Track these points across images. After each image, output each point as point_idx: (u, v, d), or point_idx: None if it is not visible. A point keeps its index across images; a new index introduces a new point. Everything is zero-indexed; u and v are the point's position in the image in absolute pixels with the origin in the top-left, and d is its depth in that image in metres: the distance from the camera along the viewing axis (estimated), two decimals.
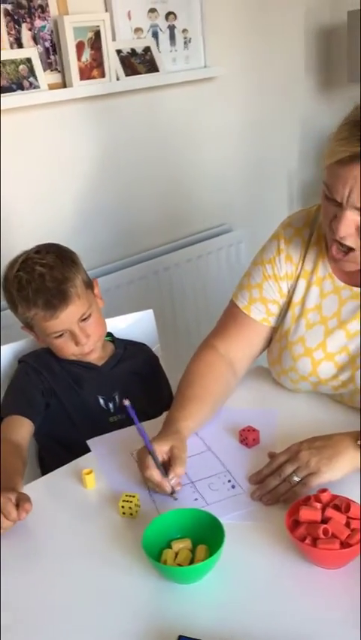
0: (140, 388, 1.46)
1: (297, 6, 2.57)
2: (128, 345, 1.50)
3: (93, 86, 2.04)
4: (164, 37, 2.21)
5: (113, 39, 2.07)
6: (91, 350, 1.36)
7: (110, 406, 1.41)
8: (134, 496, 1.05)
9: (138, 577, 0.93)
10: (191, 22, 2.25)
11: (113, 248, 2.31)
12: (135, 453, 1.15)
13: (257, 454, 1.15)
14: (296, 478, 1.03)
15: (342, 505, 0.94)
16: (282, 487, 1.04)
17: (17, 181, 2.01)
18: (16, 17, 1.88)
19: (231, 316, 1.35)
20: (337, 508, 0.93)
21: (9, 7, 1.86)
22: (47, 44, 1.96)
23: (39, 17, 1.92)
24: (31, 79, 1.92)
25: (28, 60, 1.91)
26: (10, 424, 1.28)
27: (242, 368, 1.35)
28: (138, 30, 2.14)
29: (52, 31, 1.95)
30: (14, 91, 1.89)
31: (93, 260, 2.22)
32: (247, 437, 1.18)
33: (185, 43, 2.27)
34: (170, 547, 0.95)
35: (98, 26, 2.00)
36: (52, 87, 1.98)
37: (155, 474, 1.06)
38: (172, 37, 2.23)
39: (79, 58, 1.99)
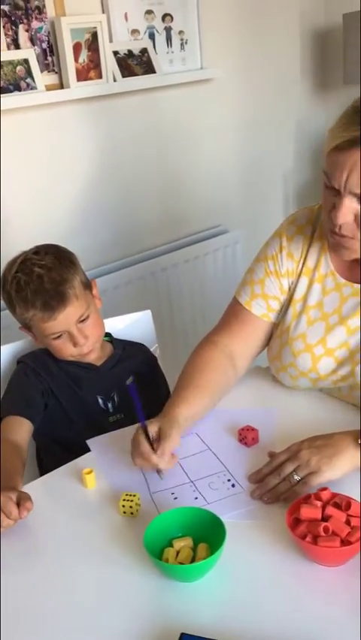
0: (139, 388, 1.46)
1: (292, 8, 2.59)
2: (126, 345, 1.50)
3: (90, 87, 2.04)
4: (161, 38, 2.22)
5: (110, 40, 2.07)
6: (89, 351, 1.36)
7: (109, 405, 1.41)
8: (134, 496, 1.05)
9: (139, 576, 0.93)
10: (187, 24, 2.26)
11: (111, 249, 2.31)
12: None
13: (256, 453, 1.15)
14: (297, 477, 1.03)
15: (342, 503, 0.94)
16: (282, 486, 1.04)
17: (15, 181, 2.01)
18: (13, 18, 1.88)
19: (232, 312, 1.37)
20: (337, 506, 0.94)
21: (6, 8, 1.86)
22: (44, 45, 1.96)
23: (36, 18, 1.92)
24: (29, 80, 1.92)
25: (26, 61, 1.91)
26: (9, 424, 1.28)
27: (243, 363, 1.36)
28: (134, 32, 2.15)
29: (49, 33, 1.96)
30: (11, 92, 1.89)
31: (91, 260, 2.22)
32: (247, 436, 1.19)
33: (181, 44, 2.28)
34: (171, 545, 0.95)
35: (95, 28, 2.00)
36: (49, 88, 1.98)
37: (145, 449, 1.10)
38: (169, 38, 2.24)
39: (76, 60, 1.99)
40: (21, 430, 1.28)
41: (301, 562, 0.92)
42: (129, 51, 2.13)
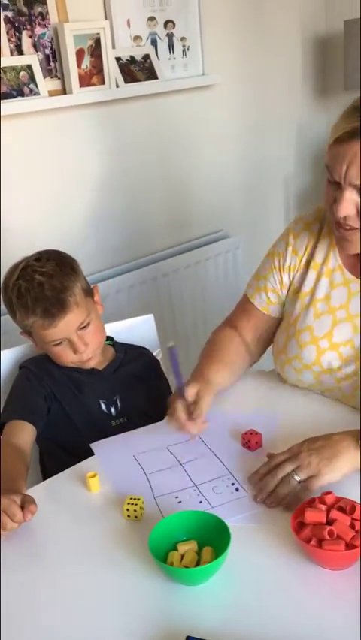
0: (141, 392, 1.47)
1: (293, 15, 2.60)
2: (128, 348, 1.50)
3: (93, 92, 2.05)
4: (163, 45, 2.23)
5: (113, 47, 2.08)
6: (89, 358, 1.36)
7: (112, 409, 1.41)
8: (138, 499, 1.05)
9: (144, 579, 0.93)
10: (189, 31, 2.28)
11: (113, 253, 2.32)
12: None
13: (260, 457, 1.15)
14: (297, 478, 1.02)
15: (347, 507, 0.94)
16: (283, 488, 1.03)
17: (16, 186, 2.02)
18: (16, 24, 1.89)
19: (241, 303, 1.46)
20: (342, 509, 0.94)
21: (9, 14, 1.87)
22: (47, 51, 1.97)
23: (39, 24, 1.94)
24: (32, 85, 1.93)
25: (29, 67, 1.92)
26: (12, 429, 1.29)
27: (257, 350, 1.44)
28: (137, 38, 2.16)
29: (52, 39, 1.97)
30: (14, 97, 1.90)
31: (93, 265, 2.23)
32: (250, 440, 1.19)
33: (183, 51, 2.29)
34: (176, 549, 0.95)
35: (98, 34, 2.01)
36: (52, 94, 1.99)
37: (181, 416, 1.17)
38: (171, 45, 2.25)
39: (79, 66, 2.00)
40: (24, 434, 1.28)
41: (305, 565, 0.92)
42: (132, 57, 2.15)
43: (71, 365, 1.37)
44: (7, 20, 1.87)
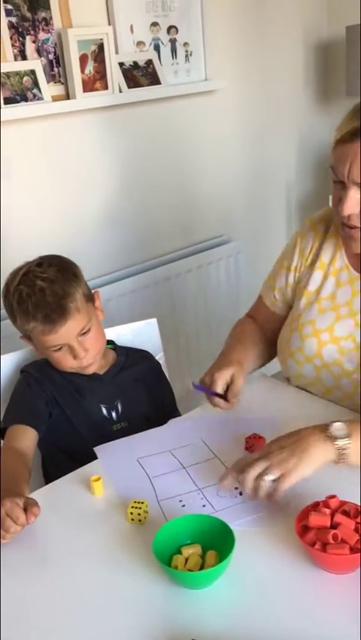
0: (143, 395, 1.47)
1: (296, 21, 2.61)
2: (130, 352, 1.50)
3: (96, 98, 2.06)
4: (166, 50, 2.24)
5: (116, 52, 2.09)
6: (89, 364, 1.36)
7: (113, 414, 1.41)
8: (142, 503, 1.05)
9: (148, 583, 0.93)
10: (192, 36, 2.29)
11: (116, 258, 2.32)
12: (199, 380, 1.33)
13: None
14: (271, 477, 0.99)
15: (351, 511, 0.95)
16: (259, 491, 1.00)
17: (19, 190, 2.03)
18: (20, 30, 1.90)
19: (256, 301, 1.55)
20: (346, 513, 0.94)
21: (14, 19, 1.88)
22: (51, 57, 1.98)
23: (43, 30, 1.95)
24: (35, 90, 1.94)
25: (32, 72, 1.93)
26: (14, 433, 1.29)
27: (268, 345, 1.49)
28: (140, 43, 2.17)
29: (56, 44, 1.98)
30: (18, 102, 1.91)
31: (95, 270, 2.23)
32: (253, 444, 1.19)
33: (186, 56, 2.30)
34: (180, 552, 0.95)
35: (101, 39, 2.02)
36: (55, 99, 2.00)
37: (221, 404, 1.27)
38: (174, 50, 2.26)
39: (82, 71, 2.01)
40: (26, 438, 1.28)
41: (309, 569, 0.92)
42: (135, 62, 2.15)
43: (71, 371, 1.37)
44: (10, 25, 1.88)
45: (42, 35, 1.95)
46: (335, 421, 1.03)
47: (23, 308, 1.29)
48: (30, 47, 1.93)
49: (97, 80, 2.06)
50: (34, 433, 1.30)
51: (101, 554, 1.00)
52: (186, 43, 2.28)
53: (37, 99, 1.94)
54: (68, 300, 1.28)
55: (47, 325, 1.28)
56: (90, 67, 2.03)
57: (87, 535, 1.05)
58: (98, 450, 1.24)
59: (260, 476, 0.99)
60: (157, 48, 2.22)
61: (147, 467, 1.18)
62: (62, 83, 2.02)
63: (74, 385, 1.39)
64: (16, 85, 1.90)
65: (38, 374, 1.39)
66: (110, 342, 1.47)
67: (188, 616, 0.88)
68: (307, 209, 2.89)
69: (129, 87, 2.13)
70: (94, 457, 1.23)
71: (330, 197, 1.27)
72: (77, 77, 2.00)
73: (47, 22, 1.95)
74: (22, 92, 1.91)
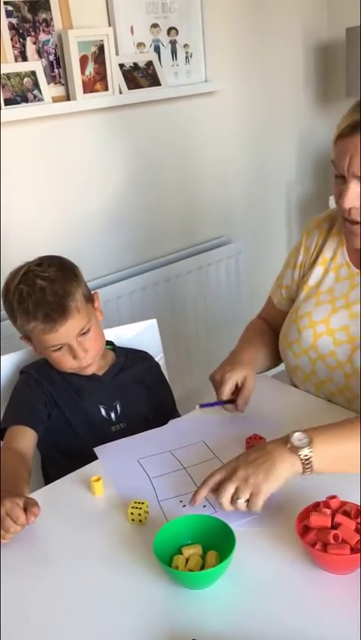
0: (142, 396, 1.47)
1: (296, 22, 2.62)
2: (129, 353, 1.50)
3: (96, 99, 2.06)
4: (166, 51, 2.24)
5: (117, 53, 2.10)
6: (89, 364, 1.35)
7: (112, 415, 1.41)
8: (143, 503, 1.05)
9: (149, 583, 0.93)
10: (192, 38, 2.29)
11: (116, 259, 2.33)
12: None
13: None
14: (242, 500, 0.99)
15: (352, 511, 0.94)
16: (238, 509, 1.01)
17: (18, 191, 2.03)
18: (21, 31, 1.91)
19: (266, 302, 1.57)
20: (346, 514, 0.94)
21: (14, 20, 1.89)
22: (52, 58, 1.98)
23: (43, 31, 1.95)
24: (36, 92, 1.94)
25: (33, 73, 1.93)
26: (13, 434, 1.29)
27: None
28: (140, 45, 2.17)
29: (56, 45, 1.98)
30: (18, 103, 1.91)
31: (95, 271, 2.23)
32: (254, 445, 1.19)
33: (186, 57, 2.30)
34: (180, 553, 0.95)
35: (101, 41, 2.03)
36: (55, 100, 2.00)
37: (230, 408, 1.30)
38: (174, 52, 2.26)
39: (83, 72, 2.01)
40: (25, 439, 1.28)
41: (310, 569, 0.92)
42: (135, 64, 2.16)
43: (70, 371, 1.37)
44: (11, 27, 1.88)
45: (42, 36, 1.95)
46: (295, 431, 1.02)
47: (24, 307, 1.28)
48: (30, 48, 1.94)
49: (97, 81, 2.06)
50: (34, 433, 1.30)
51: (101, 554, 1.00)
52: (186, 45, 2.29)
53: (38, 100, 1.94)
54: (69, 300, 1.28)
55: (48, 324, 1.27)
56: (90, 68, 2.03)
57: (87, 535, 1.05)
58: (98, 450, 1.24)
59: (232, 498, 0.99)
60: (157, 49, 2.22)
61: (147, 467, 1.18)
62: (63, 84, 2.03)
63: (73, 386, 1.39)
64: (17, 86, 1.91)
65: (38, 375, 1.39)
66: (109, 343, 1.47)
67: (188, 616, 0.88)
68: (307, 210, 2.89)
69: (129, 88, 2.14)
70: (93, 457, 1.23)
71: (330, 197, 1.28)
72: (77, 78, 2.00)
73: (48, 23, 1.95)
74: (22, 93, 1.92)
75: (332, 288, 1.34)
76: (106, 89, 2.08)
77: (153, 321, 1.64)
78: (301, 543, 0.92)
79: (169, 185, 2.41)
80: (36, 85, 1.94)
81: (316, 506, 0.96)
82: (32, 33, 1.93)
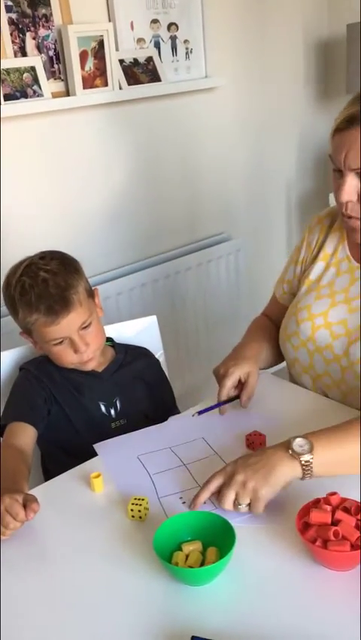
0: (141, 393, 1.46)
1: (296, 19, 2.61)
2: (129, 349, 1.49)
3: (96, 94, 2.06)
4: (166, 47, 2.24)
5: (117, 49, 2.09)
6: (90, 359, 1.35)
7: (112, 411, 1.41)
8: (143, 499, 1.05)
9: (148, 579, 0.93)
10: (192, 33, 2.28)
11: (116, 255, 2.32)
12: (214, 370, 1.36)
13: None
14: (243, 505, 0.99)
15: (352, 508, 0.94)
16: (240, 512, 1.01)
17: (18, 187, 2.02)
18: (20, 26, 1.90)
19: (270, 299, 1.58)
20: (347, 510, 0.94)
21: (14, 16, 1.88)
22: (51, 53, 1.98)
23: (43, 26, 1.94)
24: (35, 87, 1.93)
25: (32, 68, 1.92)
26: (13, 431, 1.28)
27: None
28: (140, 40, 2.17)
29: (56, 41, 1.97)
30: (18, 99, 1.91)
31: (96, 268, 2.23)
32: (254, 442, 1.19)
33: (186, 53, 2.29)
34: (180, 549, 0.95)
35: (101, 36, 2.02)
36: (55, 95, 1.99)
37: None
38: (174, 47, 2.26)
39: (82, 67, 2.01)
40: (25, 435, 1.28)
41: (310, 566, 0.92)
42: (135, 59, 2.15)
43: (70, 366, 1.36)
44: (11, 22, 1.88)
45: (42, 32, 1.94)
46: (296, 437, 1.02)
47: (26, 299, 1.28)
48: (30, 44, 1.93)
49: (97, 77, 2.05)
50: (33, 430, 1.30)
51: (101, 551, 1.00)
52: (186, 41, 2.28)
53: (37, 96, 1.94)
54: (71, 292, 1.28)
55: (50, 316, 1.27)
56: (90, 63, 2.03)
57: (87, 531, 1.05)
58: (98, 447, 1.24)
59: (234, 503, 1.00)
60: (157, 45, 2.21)
61: (147, 464, 1.18)
62: (62, 80, 2.02)
63: (73, 383, 1.39)
64: (16, 81, 1.90)
65: (37, 371, 1.38)
66: (108, 340, 1.47)
67: (188, 612, 0.87)
68: (307, 207, 2.89)
69: (129, 84, 2.13)
70: (93, 454, 1.23)
71: (330, 195, 1.28)
72: (77, 74, 2.00)
73: (47, 18, 1.94)
74: (22, 88, 1.91)
75: (332, 282, 1.35)
76: (106, 84, 2.08)
77: (153, 318, 1.64)
78: (302, 540, 0.92)
79: (169, 181, 2.41)
80: (36, 80, 1.93)
81: (316, 503, 0.96)
82: (32, 28, 1.92)
